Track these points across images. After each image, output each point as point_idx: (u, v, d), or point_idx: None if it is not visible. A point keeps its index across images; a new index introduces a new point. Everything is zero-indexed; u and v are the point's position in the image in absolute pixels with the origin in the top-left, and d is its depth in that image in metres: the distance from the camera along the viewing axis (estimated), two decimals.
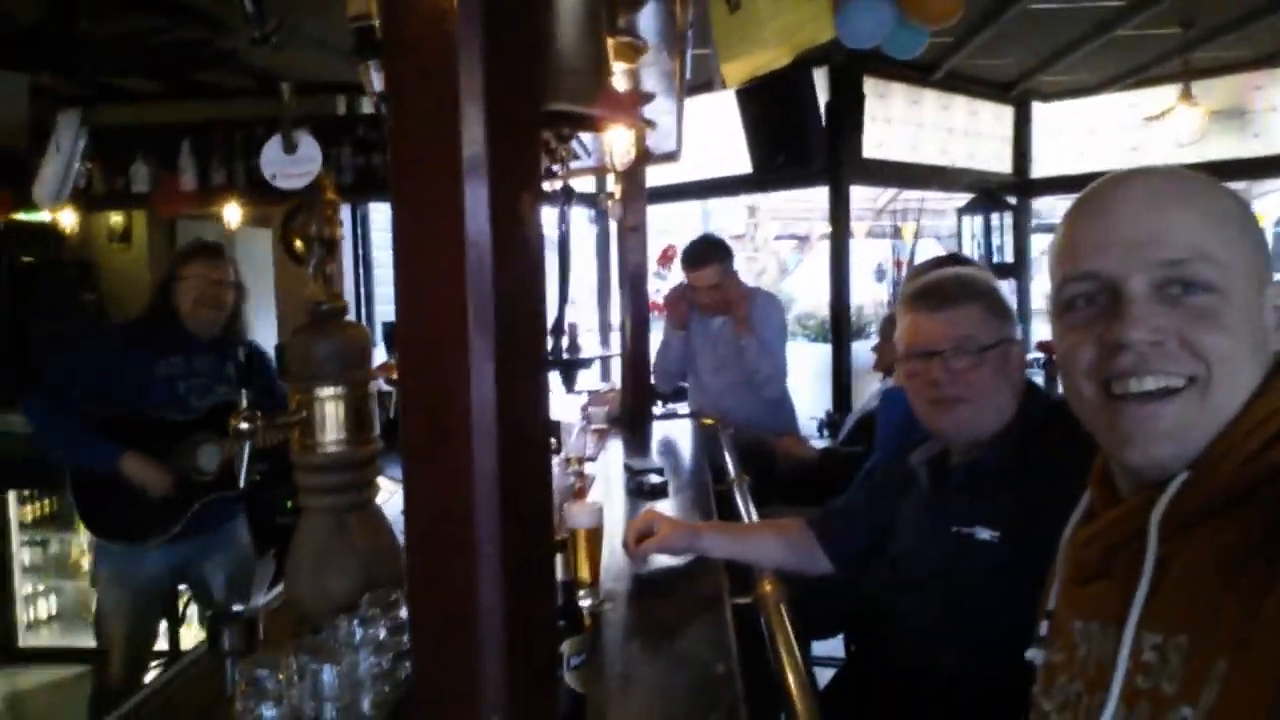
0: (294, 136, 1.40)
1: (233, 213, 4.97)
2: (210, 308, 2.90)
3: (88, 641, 4.27)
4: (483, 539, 0.74)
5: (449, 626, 0.77)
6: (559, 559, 1.23)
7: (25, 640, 4.39)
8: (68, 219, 4.95)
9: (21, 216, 4.92)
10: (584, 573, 1.65)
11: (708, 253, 3.78)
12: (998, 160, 6.94)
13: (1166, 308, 0.87)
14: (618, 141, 2.43)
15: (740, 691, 1.31)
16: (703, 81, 3.32)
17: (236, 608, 1.76)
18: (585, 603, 1.65)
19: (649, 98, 2.57)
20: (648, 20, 1.85)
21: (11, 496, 4.30)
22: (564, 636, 1.18)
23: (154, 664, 3.11)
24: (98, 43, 3.30)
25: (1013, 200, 6.89)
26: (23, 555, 4.39)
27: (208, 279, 2.88)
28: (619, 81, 2.22)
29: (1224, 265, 0.86)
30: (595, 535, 1.66)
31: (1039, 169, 7.06)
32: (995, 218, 6.76)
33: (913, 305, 1.68)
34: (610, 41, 1.70)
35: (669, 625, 1.58)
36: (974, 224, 6.86)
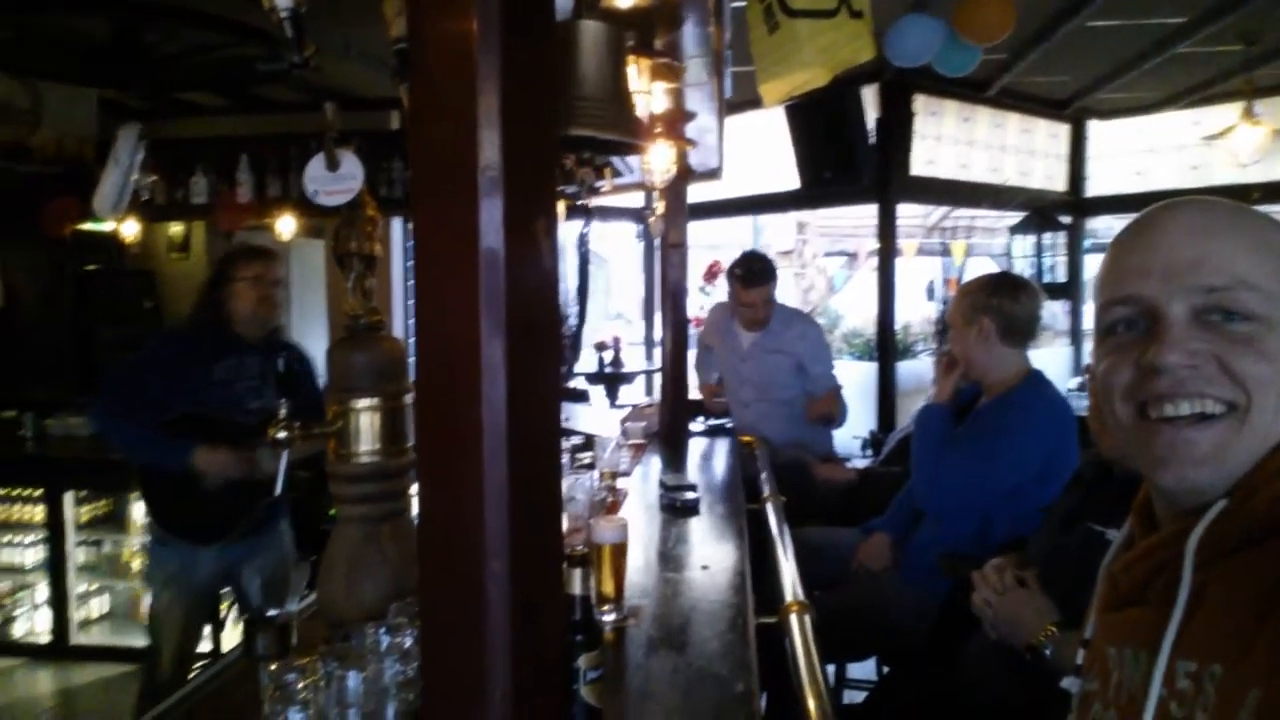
0: (336, 154, 1.44)
1: (287, 224, 5.11)
2: (272, 307, 2.97)
3: (136, 641, 4.41)
4: (490, 530, 0.76)
5: (457, 629, 0.79)
6: (579, 573, 1.23)
7: (77, 638, 4.51)
8: (130, 229, 5.14)
9: (88, 226, 5.11)
10: (607, 588, 1.66)
11: (761, 273, 3.83)
12: (1052, 179, 6.83)
13: (1206, 333, 0.86)
14: (657, 159, 2.46)
15: (759, 711, 1.31)
16: (749, 99, 3.32)
17: (271, 612, 1.80)
18: (608, 618, 1.66)
19: (690, 116, 2.59)
20: (687, 41, 1.86)
21: (68, 498, 4.43)
22: (581, 651, 1.19)
23: (198, 665, 3.18)
24: (161, 59, 3.41)
25: (1067, 219, 6.78)
26: (77, 555, 4.52)
27: (266, 280, 2.95)
28: (659, 101, 2.25)
29: (1268, 294, 0.86)
30: (620, 551, 1.66)
31: (1095, 188, 6.94)
32: (1048, 237, 6.64)
33: None
34: (648, 62, 1.73)
35: (691, 642, 1.58)
36: (1025, 243, 6.75)
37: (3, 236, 5.09)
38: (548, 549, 0.84)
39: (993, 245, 10.54)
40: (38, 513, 4.52)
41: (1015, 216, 6.89)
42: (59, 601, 4.48)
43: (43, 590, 4.56)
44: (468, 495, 0.77)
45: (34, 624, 4.62)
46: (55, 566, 4.47)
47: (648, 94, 1.96)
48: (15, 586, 4.62)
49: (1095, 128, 6.86)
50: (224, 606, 3.54)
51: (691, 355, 4.18)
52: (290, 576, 3.08)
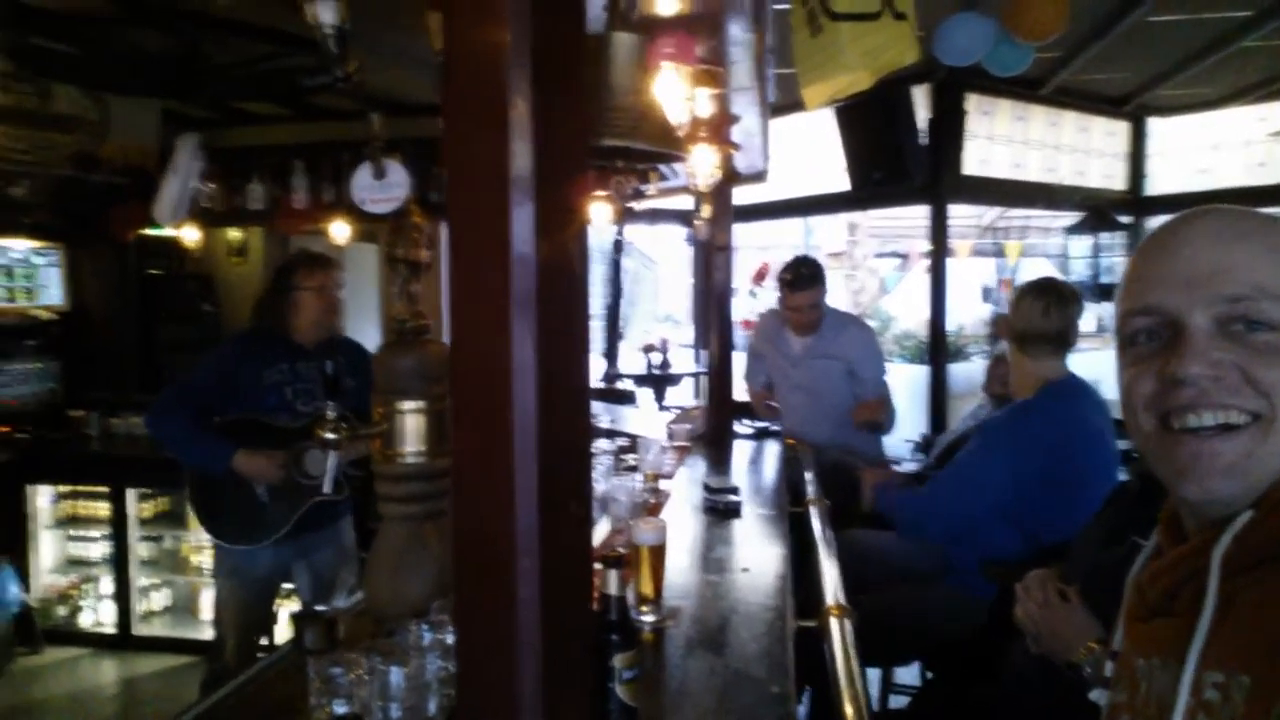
0: (383, 163, 1.48)
1: (341, 229, 5.22)
2: (334, 315, 3.06)
3: (196, 634, 4.55)
4: (521, 527, 0.78)
5: (489, 624, 0.81)
6: (615, 574, 1.25)
7: (139, 630, 4.66)
8: (190, 235, 5.29)
9: (151, 232, 5.28)
10: (647, 589, 1.67)
11: (809, 276, 3.82)
12: (1110, 178, 6.67)
13: (1228, 343, 0.86)
14: (701, 163, 2.47)
15: (794, 713, 1.31)
16: (796, 101, 3.32)
17: (319, 608, 1.85)
18: (647, 619, 1.67)
19: (734, 120, 2.60)
20: (729, 46, 1.87)
21: (131, 494, 4.58)
22: (617, 650, 1.20)
23: (260, 655, 3.26)
24: (218, 69, 3.51)
25: (1126, 219, 6.61)
26: (140, 550, 4.68)
27: (329, 288, 3.02)
28: (702, 106, 2.26)
29: None
30: (659, 552, 1.68)
31: (1156, 186, 6.75)
32: (1105, 237, 6.49)
33: None
34: (688, 69, 1.74)
35: (729, 644, 1.59)
36: (1082, 244, 6.61)
37: (72, 242, 5.28)
38: (577, 547, 0.86)
39: (1048, 246, 10.35)
40: (103, 509, 4.69)
41: (1072, 216, 6.74)
42: (122, 594, 4.64)
43: (107, 583, 4.73)
44: (499, 494, 0.79)
45: (99, 615, 4.79)
46: (119, 561, 4.63)
47: (689, 100, 1.97)
48: (82, 579, 4.79)
49: (1156, 125, 6.68)
50: (282, 600, 3.62)
51: (739, 359, 4.18)
52: (343, 573, 3.15)
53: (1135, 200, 6.74)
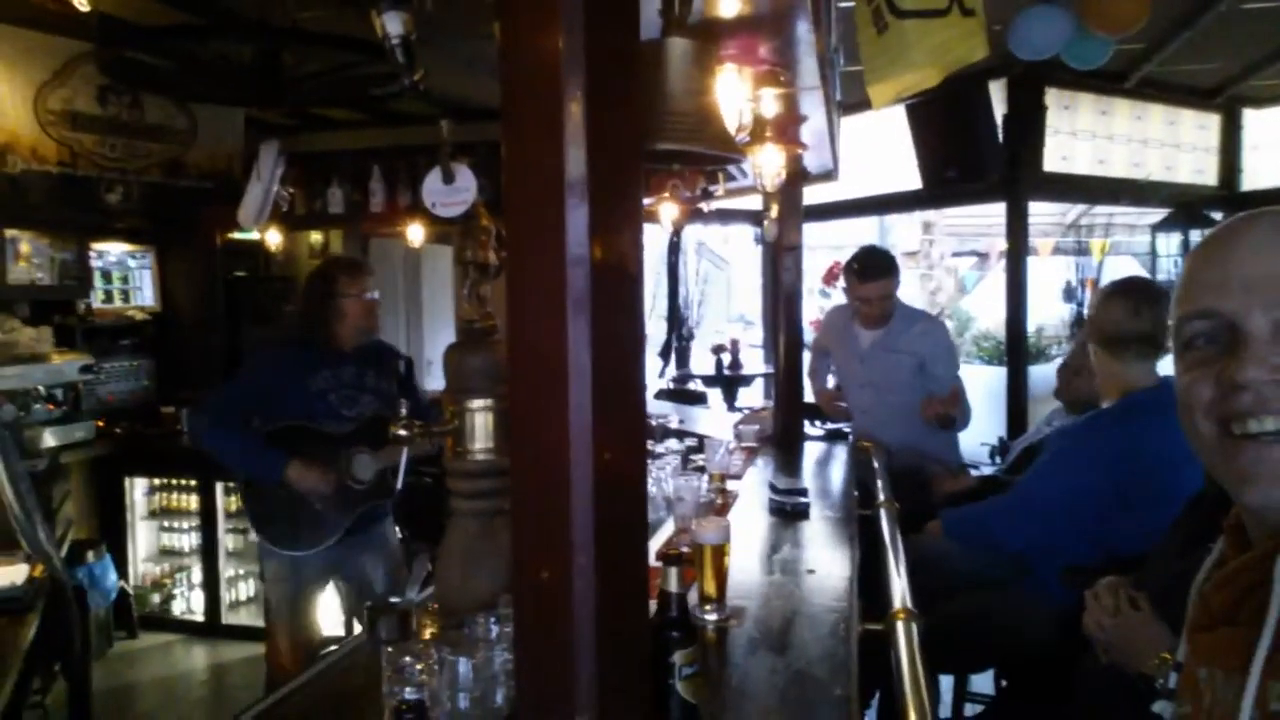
0: (452, 168, 1.52)
1: (416, 232, 5.34)
2: (375, 320, 3.08)
3: None
4: (576, 484, 0.80)
5: (546, 620, 0.83)
6: (675, 572, 1.26)
7: (227, 618, 4.85)
8: (273, 238, 5.49)
9: (236, 236, 5.49)
10: (710, 588, 1.68)
11: (878, 267, 3.72)
12: (1201, 172, 6.41)
13: None
14: (768, 164, 2.47)
15: (856, 715, 1.31)
16: (865, 99, 3.28)
17: (393, 600, 1.91)
18: (710, 617, 1.68)
19: (802, 120, 2.58)
20: (795, 45, 1.87)
21: (219, 488, 4.77)
22: (677, 647, 1.22)
23: (323, 651, 3.33)
24: (299, 78, 3.63)
25: (1218, 215, 6.35)
26: (227, 541, 4.86)
27: (368, 296, 3.02)
28: (768, 106, 2.25)
29: None
30: (721, 551, 1.68)
31: (1252, 181, 6.46)
32: (1195, 234, 6.24)
33: None
34: (751, 70, 1.74)
35: (792, 644, 1.59)
36: (1170, 241, 6.37)
37: (162, 246, 5.52)
38: (633, 545, 0.87)
39: (1134, 243, 10.00)
40: (193, 501, 4.89)
41: (1159, 213, 6.50)
42: (211, 584, 4.84)
43: (197, 573, 4.93)
44: (556, 494, 0.81)
45: (190, 603, 5.00)
46: (208, 551, 4.83)
47: (753, 101, 1.97)
48: (174, 568, 5.01)
49: (1251, 116, 6.40)
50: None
51: (809, 360, 4.15)
52: (392, 573, 3.17)
53: (1230, 195, 6.46)
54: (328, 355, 3.04)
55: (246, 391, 3.02)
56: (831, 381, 4.20)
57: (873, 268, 3.69)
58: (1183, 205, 6.24)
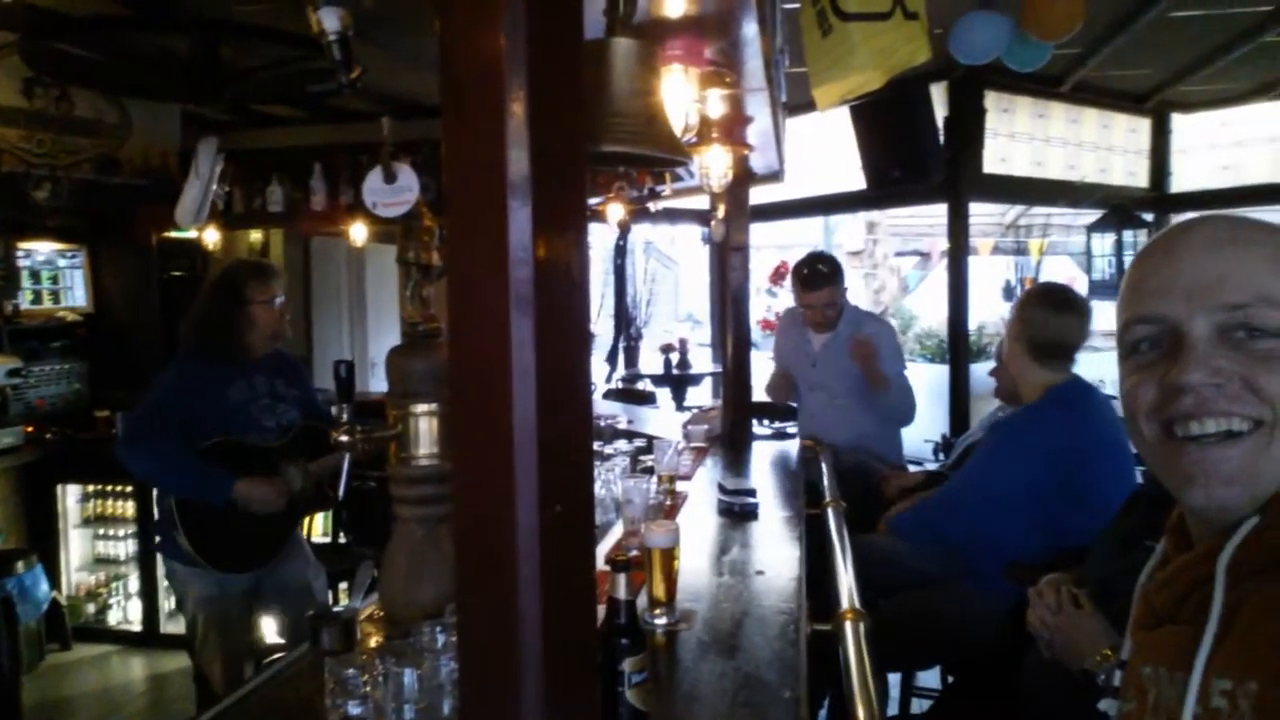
0: (393, 167, 1.49)
1: (359, 231, 5.26)
2: (285, 326, 2.95)
3: None
4: (520, 488, 0.78)
5: (491, 632, 0.81)
6: (623, 578, 1.25)
7: (166, 627, 4.72)
8: (211, 237, 5.36)
9: (173, 235, 5.35)
10: (659, 592, 1.67)
11: (822, 275, 3.78)
12: (1133, 175, 6.60)
13: (1229, 351, 0.86)
14: (715, 164, 2.47)
15: (806, 718, 1.31)
16: (811, 100, 3.30)
17: (336, 609, 1.86)
18: (660, 622, 1.67)
19: (748, 121, 2.59)
20: (740, 46, 1.87)
21: (155, 494, 4.62)
22: (626, 655, 1.20)
23: (266, 661, 3.21)
24: (237, 74, 3.55)
25: (1149, 217, 6.54)
26: None
27: (278, 301, 2.89)
28: (714, 107, 2.25)
29: None
30: (671, 555, 1.68)
31: (1179, 183, 6.68)
32: (1128, 234, 6.42)
33: None
34: (697, 71, 1.74)
35: (742, 647, 1.58)
36: (1104, 241, 6.54)
37: (95, 245, 5.35)
38: (581, 550, 0.86)
39: (1070, 244, 10.25)
40: (129, 508, 4.75)
41: (1094, 214, 6.67)
42: (149, 592, 4.71)
43: (134, 581, 4.79)
44: (499, 498, 0.79)
45: (126, 613, 4.86)
46: (145, 559, 4.70)
47: (699, 102, 1.97)
48: (110, 577, 4.86)
49: (1179, 121, 6.61)
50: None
51: (756, 359, 4.16)
52: (313, 581, 3.09)
53: (1160, 197, 6.66)
54: (238, 367, 2.90)
55: (168, 412, 2.80)
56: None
57: (816, 277, 3.78)
58: (1116, 206, 6.41)
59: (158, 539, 3.09)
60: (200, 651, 2.99)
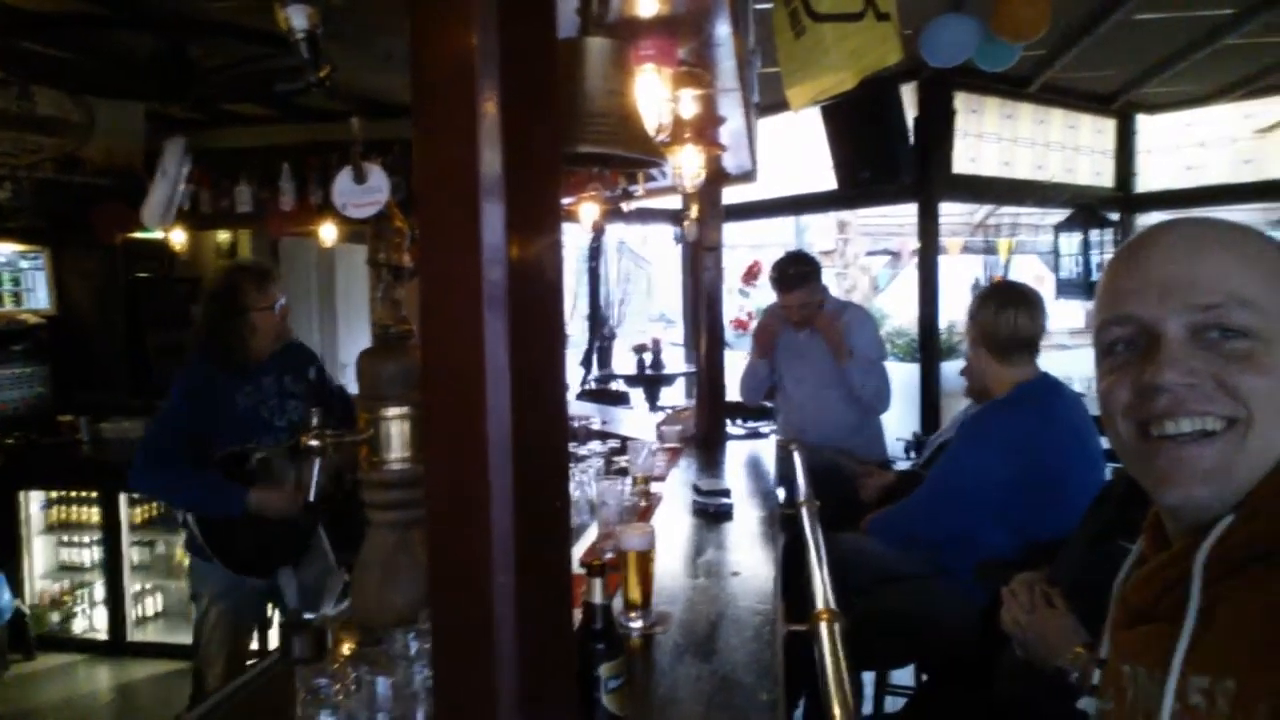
0: (364, 167, 1.47)
1: (329, 231, 5.20)
2: (287, 328, 2.95)
3: (189, 639, 4.52)
4: (495, 491, 0.77)
5: (466, 641, 0.80)
6: (599, 583, 1.24)
7: (133, 635, 4.64)
8: (178, 237, 5.27)
9: (138, 235, 5.26)
10: (635, 595, 1.66)
11: (799, 276, 3.80)
12: (1099, 175, 6.69)
13: (1203, 351, 0.87)
14: (688, 164, 2.46)
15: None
16: (784, 101, 3.31)
17: (307, 616, 1.83)
18: (635, 625, 1.67)
19: (720, 121, 2.59)
20: (713, 47, 1.86)
21: (123, 499, 4.55)
22: (602, 660, 1.20)
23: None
24: (206, 71, 3.49)
25: (1115, 216, 6.63)
26: (132, 555, 4.65)
27: (279, 304, 2.88)
28: (687, 107, 2.25)
29: (1264, 312, 0.86)
30: (646, 558, 1.67)
31: (1144, 183, 6.78)
32: (1095, 234, 6.51)
33: None
34: (670, 71, 1.73)
35: (718, 650, 1.58)
36: (1071, 241, 6.62)
37: (57, 246, 5.25)
38: (556, 554, 0.85)
39: (1038, 243, 10.37)
40: (94, 514, 4.66)
41: (1062, 213, 6.76)
42: (115, 600, 4.61)
43: (100, 589, 4.71)
44: (473, 501, 0.78)
45: (92, 621, 4.77)
46: (112, 566, 4.61)
47: (672, 102, 1.96)
48: (75, 585, 4.77)
49: (1143, 122, 6.71)
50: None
51: (730, 359, 4.16)
52: (329, 582, 3.09)
53: (1125, 197, 6.76)
54: (244, 368, 2.87)
55: (179, 424, 2.79)
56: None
57: (793, 278, 3.80)
58: (1082, 206, 6.50)
59: (183, 534, 3.08)
60: (204, 648, 2.98)
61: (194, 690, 3.10)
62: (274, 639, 3.67)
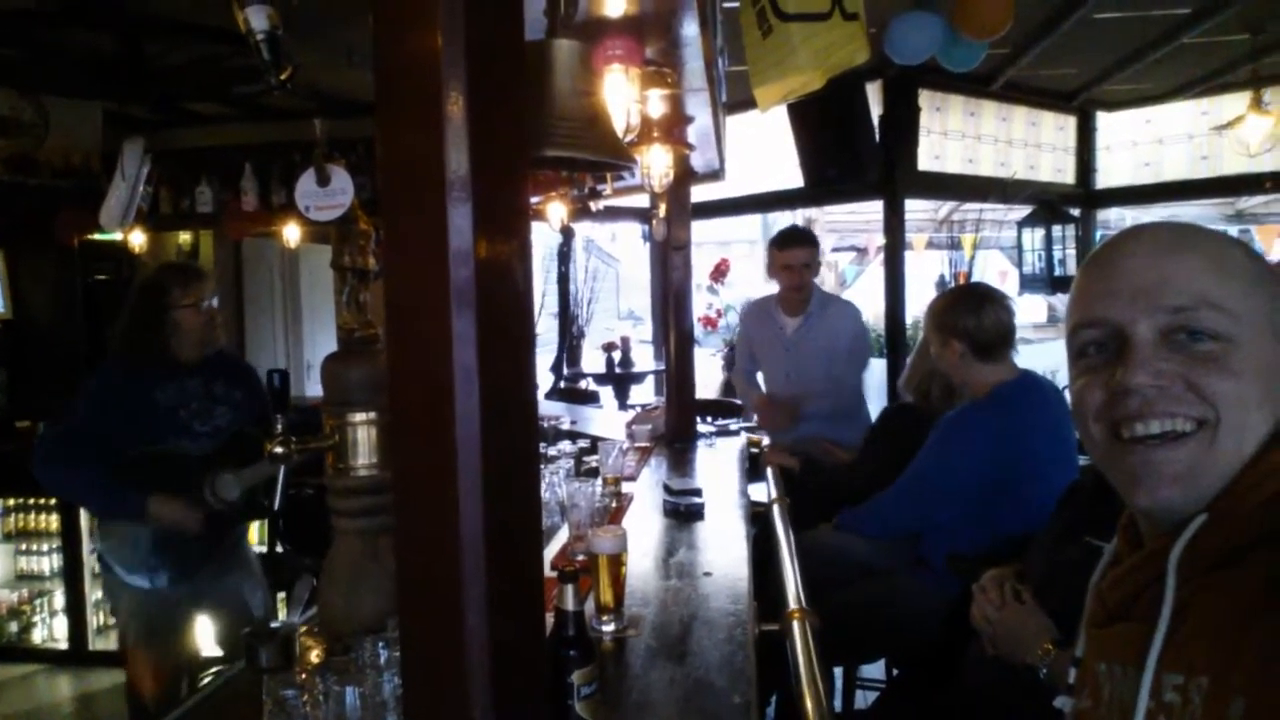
0: (327, 170, 1.44)
1: (292, 232, 5.13)
2: (215, 329, 2.84)
3: None
4: (464, 496, 0.76)
5: (436, 650, 0.79)
6: (571, 589, 1.23)
7: (94, 644, 4.55)
8: (137, 239, 5.18)
9: (96, 237, 5.16)
10: (606, 598, 1.65)
11: (803, 235, 3.91)
12: (1060, 171, 6.79)
13: (1173, 353, 0.88)
14: (656, 164, 2.46)
15: None
16: (750, 99, 3.32)
17: (274, 624, 1.80)
18: (607, 628, 1.65)
19: (688, 120, 2.59)
20: (681, 47, 1.86)
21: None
22: (575, 667, 1.18)
23: (202, 675, 3.09)
24: (164, 70, 3.42)
25: (1075, 212, 6.73)
26: (92, 562, 4.55)
27: (205, 304, 2.78)
28: (655, 106, 2.24)
29: (1232, 314, 0.87)
30: (618, 561, 1.66)
31: (1104, 180, 6.88)
32: (1057, 229, 6.59)
33: None
34: (638, 71, 1.72)
35: (690, 652, 1.57)
36: (1034, 236, 6.71)
37: (12, 248, 5.14)
38: (528, 559, 0.84)
39: (1002, 238, 10.48)
40: (53, 521, 4.57)
41: (1025, 210, 6.84)
42: (76, 608, 4.53)
43: (60, 598, 4.61)
44: (442, 506, 0.76)
45: (52, 630, 4.67)
46: (71, 574, 4.52)
47: (640, 102, 1.96)
48: (33, 594, 4.67)
49: (1103, 119, 6.81)
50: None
51: (699, 357, 4.16)
52: (255, 594, 2.99)
53: (1085, 193, 6.86)
54: (169, 369, 2.78)
55: (87, 424, 2.69)
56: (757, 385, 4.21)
57: (796, 236, 3.87)
58: (1044, 202, 6.58)
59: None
60: (131, 663, 2.87)
61: (130, 707, 2.97)
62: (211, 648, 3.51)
